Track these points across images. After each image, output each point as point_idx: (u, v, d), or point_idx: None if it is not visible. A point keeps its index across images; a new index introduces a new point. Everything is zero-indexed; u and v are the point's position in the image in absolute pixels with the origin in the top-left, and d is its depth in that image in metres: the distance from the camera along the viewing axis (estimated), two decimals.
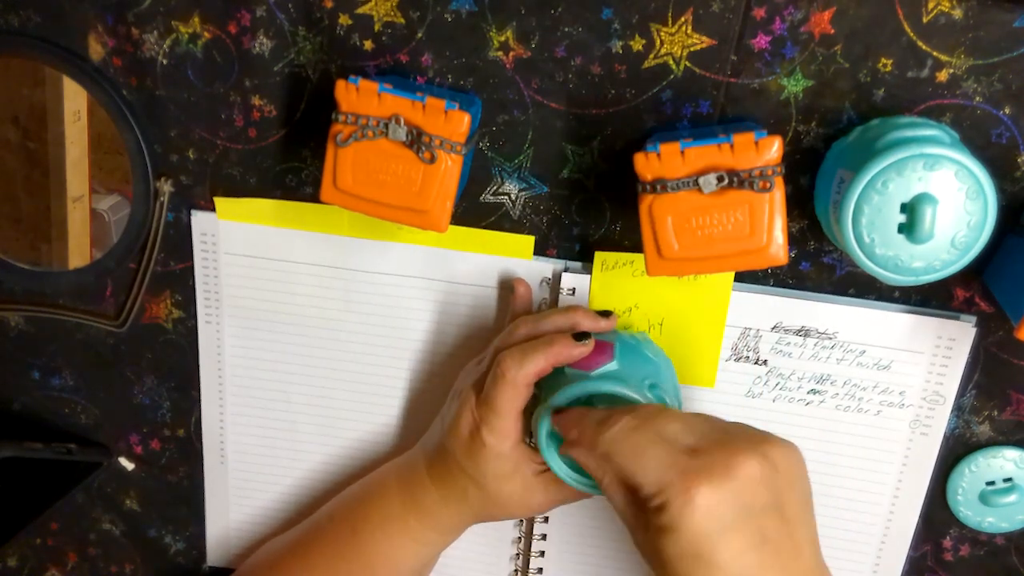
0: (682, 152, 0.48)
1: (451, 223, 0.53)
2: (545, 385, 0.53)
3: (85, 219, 0.62)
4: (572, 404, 0.51)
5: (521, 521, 0.65)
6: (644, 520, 0.42)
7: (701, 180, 0.48)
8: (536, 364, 0.52)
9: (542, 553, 0.66)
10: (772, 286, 0.58)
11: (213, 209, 0.60)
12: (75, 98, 0.59)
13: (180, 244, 0.61)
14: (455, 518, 0.57)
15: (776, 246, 0.48)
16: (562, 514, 0.64)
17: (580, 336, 0.52)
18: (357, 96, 0.50)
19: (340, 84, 0.50)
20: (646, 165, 0.48)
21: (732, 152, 0.47)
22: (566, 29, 0.52)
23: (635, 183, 0.49)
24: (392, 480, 0.60)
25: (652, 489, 0.41)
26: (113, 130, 0.58)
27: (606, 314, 0.55)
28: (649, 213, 0.49)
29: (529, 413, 0.54)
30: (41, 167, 0.61)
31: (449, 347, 0.62)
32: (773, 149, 0.47)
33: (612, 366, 0.52)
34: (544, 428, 0.51)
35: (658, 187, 0.48)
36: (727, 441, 0.42)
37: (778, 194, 0.48)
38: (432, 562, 0.61)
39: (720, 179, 0.47)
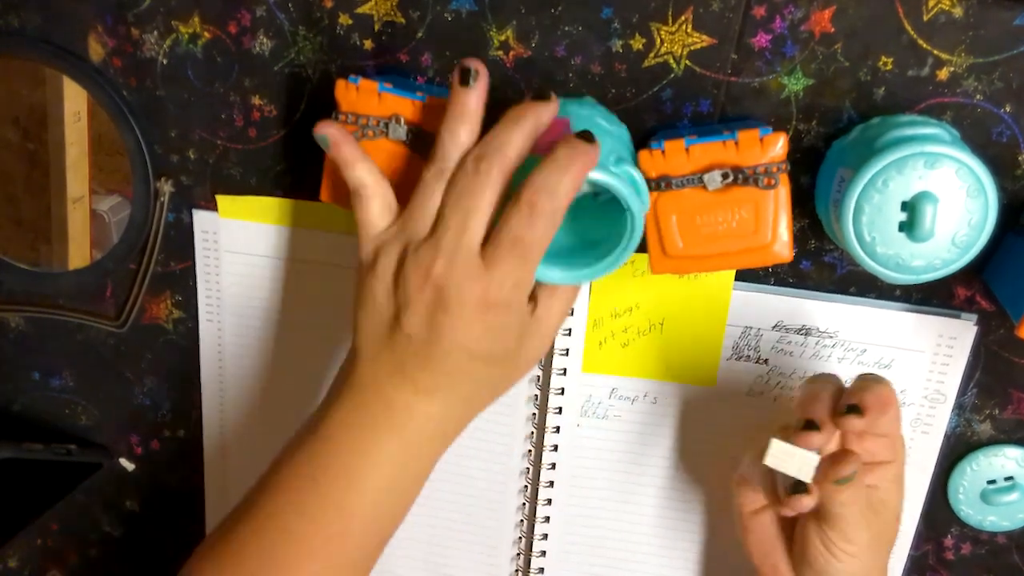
0: (687, 149, 0.48)
1: None
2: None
3: (85, 220, 0.62)
4: None
5: (521, 520, 0.65)
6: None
7: (706, 177, 0.48)
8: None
9: (543, 553, 0.65)
10: (773, 285, 0.58)
11: (214, 208, 0.60)
12: (75, 99, 0.59)
13: (180, 244, 0.61)
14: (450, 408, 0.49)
15: (781, 243, 0.48)
16: (563, 514, 0.64)
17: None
18: (357, 96, 0.50)
19: (340, 84, 0.50)
20: (650, 162, 0.48)
21: (737, 149, 0.47)
22: (566, 28, 0.52)
23: None
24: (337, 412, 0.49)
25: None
26: (113, 131, 0.58)
27: (544, 96, 0.46)
28: (653, 211, 0.49)
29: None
30: (41, 168, 0.61)
31: None
32: (778, 146, 0.47)
33: None
34: None
35: (663, 184, 0.48)
36: None
37: (783, 191, 0.48)
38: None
39: (725, 176, 0.47)
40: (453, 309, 0.45)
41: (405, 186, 0.50)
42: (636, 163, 0.49)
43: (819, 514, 0.50)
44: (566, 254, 0.48)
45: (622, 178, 0.46)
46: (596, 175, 0.45)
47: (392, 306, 0.47)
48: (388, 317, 0.47)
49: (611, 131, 0.51)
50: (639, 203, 0.46)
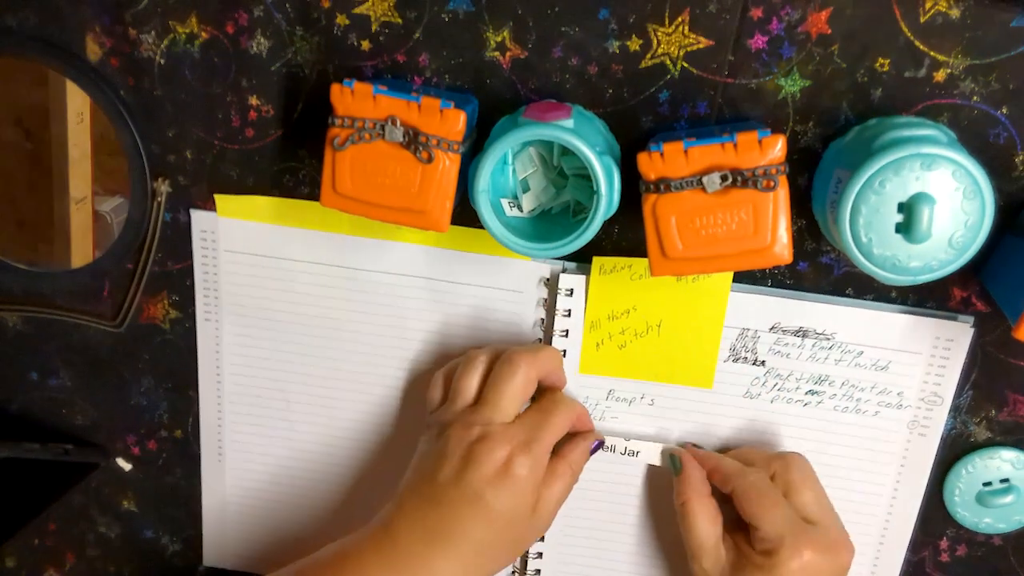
0: (685, 151, 0.48)
1: (452, 223, 0.53)
2: (495, 133, 0.52)
3: (88, 221, 0.62)
4: (520, 149, 0.54)
5: None
6: (744, 550, 0.54)
7: (705, 179, 0.47)
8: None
9: (540, 555, 0.65)
10: (770, 286, 0.58)
11: (212, 208, 0.60)
12: (77, 99, 0.59)
13: (177, 244, 0.61)
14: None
15: (780, 245, 0.48)
16: (560, 515, 0.64)
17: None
18: (352, 99, 0.50)
19: (335, 88, 0.50)
20: (649, 164, 0.48)
21: (736, 151, 0.47)
22: (563, 29, 0.52)
23: (632, 184, 0.49)
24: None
25: (771, 535, 0.52)
26: (114, 131, 0.58)
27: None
28: (653, 213, 0.49)
29: None
30: (43, 168, 0.61)
31: (449, 347, 0.62)
32: (777, 148, 0.47)
33: (568, 123, 0.49)
34: (484, 174, 0.50)
35: (662, 187, 0.48)
36: (837, 526, 0.55)
37: (782, 193, 0.48)
38: None
39: (724, 178, 0.47)
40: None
41: (403, 186, 0.50)
42: (619, 174, 0.51)
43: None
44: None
45: (603, 164, 0.49)
46: (583, 147, 0.48)
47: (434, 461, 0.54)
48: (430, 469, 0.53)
49: (606, 137, 0.53)
50: (610, 189, 0.49)
